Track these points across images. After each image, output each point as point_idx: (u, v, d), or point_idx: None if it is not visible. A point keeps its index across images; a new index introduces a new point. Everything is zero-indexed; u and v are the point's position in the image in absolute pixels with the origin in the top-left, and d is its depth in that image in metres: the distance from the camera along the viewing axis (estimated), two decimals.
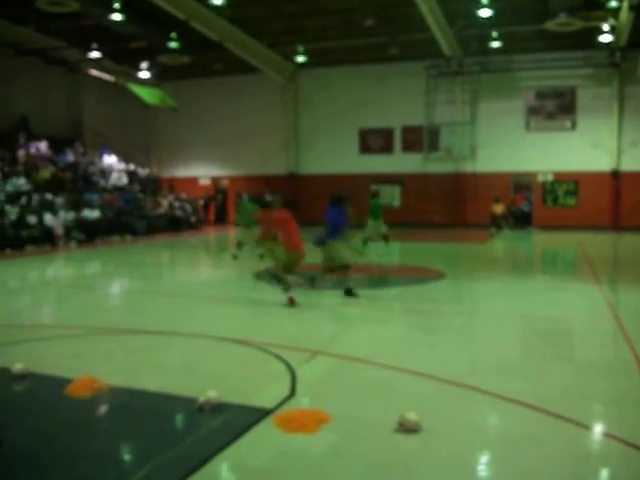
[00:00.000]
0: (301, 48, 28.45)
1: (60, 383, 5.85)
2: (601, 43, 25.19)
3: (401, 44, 26.93)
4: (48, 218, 21.36)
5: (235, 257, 16.44)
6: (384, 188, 30.66)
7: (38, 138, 26.75)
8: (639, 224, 26.80)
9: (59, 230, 21.21)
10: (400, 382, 6.13)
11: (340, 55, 29.54)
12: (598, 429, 5.02)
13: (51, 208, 22.17)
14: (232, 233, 28.88)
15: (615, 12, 22.56)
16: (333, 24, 25.52)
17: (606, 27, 23.81)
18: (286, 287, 10.19)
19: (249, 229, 15.98)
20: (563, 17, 20.52)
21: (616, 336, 8.16)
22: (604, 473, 4.35)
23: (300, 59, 29.32)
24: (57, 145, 27.46)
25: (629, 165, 27.52)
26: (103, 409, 5.60)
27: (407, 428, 4.76)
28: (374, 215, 18.34)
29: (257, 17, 25.19)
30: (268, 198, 31.40)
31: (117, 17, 22.44)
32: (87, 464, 4.35)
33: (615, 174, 27.77)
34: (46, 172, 24.87)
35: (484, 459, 4.52)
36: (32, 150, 26.05)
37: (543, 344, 8.01)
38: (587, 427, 5.00)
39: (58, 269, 17.29)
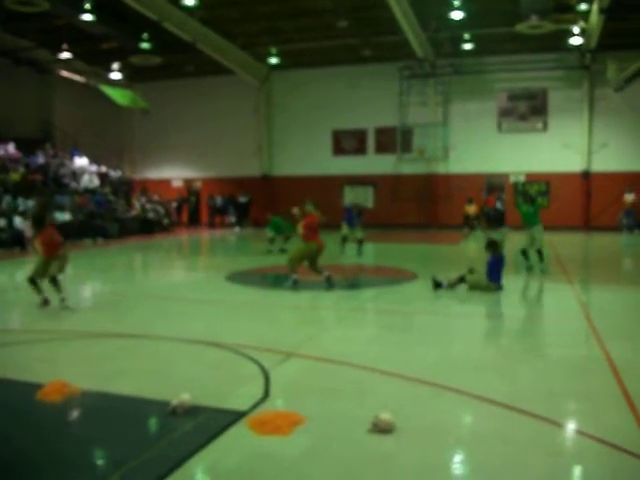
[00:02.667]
0: (274, 49, 28.43)
1: (31, 388, 5.76)
2: (571, 45, 25.50)
3: (374, 46, 27.04)
4: (18, 221, 21.06)
5: (270, 251, 18.63)
6: (358, 189, 30.80)
7: (7, 140, 26.36)
8: (609, 224, 27.17)
9: (29, 233, 20.89)
10: (374, 383, 6.13)
11: (313, 57, 29.56)
12: (570, 427, 5.07)
13: (21, 211, 21.86)
14: (207, 235, 28.74)
15: (585, 15, 22.85)
16: (306, 26, 25.54)
17: (576, 30, 24.12)
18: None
19: (279, 234, 19.17)
20: (534, 20, 20.72)
21: (587, 335, 8.24)
22: (577, 470, 4.38)
23: (273, 60, 29.30)
24: (27, 147, 27.08)
25: (599, 166, 27.88)
26: (75, 413, 5.52)
27: (381, 428, 4.76)
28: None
29: (230, 18, 25.11)
30: (241, 199, 31.41)
31: (88, 17, 22.17)
32: (59, 469, 4.29)
33: (586, 175, 28.12)
34: (16, 174, 24.52)
35: (457, 458, 4.53)
36: (1, 152, 25.67)
37: (516, 343, 8.07)
38: (559, 425, 5.04)
39: (28, 272, 17.02)
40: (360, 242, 18.05)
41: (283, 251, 18.07)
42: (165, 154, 34.38)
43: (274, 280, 13.93)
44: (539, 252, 14.64)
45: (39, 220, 10.95)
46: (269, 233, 19.37)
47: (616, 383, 5.99)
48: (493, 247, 11.85)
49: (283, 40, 27.33)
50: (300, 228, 12.23)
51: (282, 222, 19.33)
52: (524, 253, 14.88)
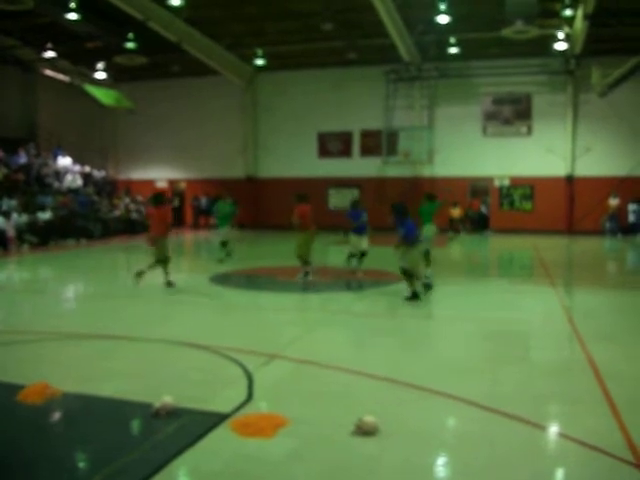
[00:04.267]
0: (260, 51, 28.37)
1: (12, 389, 5.71)
2: (556, 51, 25.66)
3: (360, 49, 27.07)
4: (0, 221, 20.86)
5: (221, 260, 16.64)
6: (343, 191, 30.81)
7: None
8: (592, 228, 27.35)
9: (11, 233, 20.74)
10: (358, 385, 6.12)
11: (299, 59, 29.53)
12: (553, 429, 5.09)
13: (3, 211, 21.66)
14: (191, 236, 28.65)
15: (570, 20, 23.01)
16: (293, 27, 25.51)
17: (561, 35, 24.28)
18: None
19: (224, 228, 17.03)
20: (519, 25, 20.80)
21: (570, 338, 8.29)
22: (559, 472, 4.41)
23: (259, 62, 29.23)
24: (10, 146, 26.85)
25: (583, 170, 28.04)
26: (56, 415, 5.47)
27: (365, 431, 4.76)
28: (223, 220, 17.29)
29: (216, 19, 25.03)
30: (228, 200, 31.26)
31: (73, 16, 22.02)
32: (40, 471, 4.25)
33: (569, 179, 28.29)
34: None
35: (441, 460, 4.54)
36: None
37: (499, 346, 8.09)
38: (542, 427, 5.06)
39: (10, 273, 16.90)
40: (363, 254, 14.57)
41: (221, 262, 16.49)
42: (149, 154, 34.20)
43: (258, 282, 13.89)
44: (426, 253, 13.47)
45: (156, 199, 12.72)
46: (220, 232, 17.19)
47: (598, 385, 6.03)
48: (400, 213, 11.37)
49: (269, 42, 27.28)
50: (295, 219, 13.10)
51: (226, 206, 17.31)
52: (427, 254, 13.71)
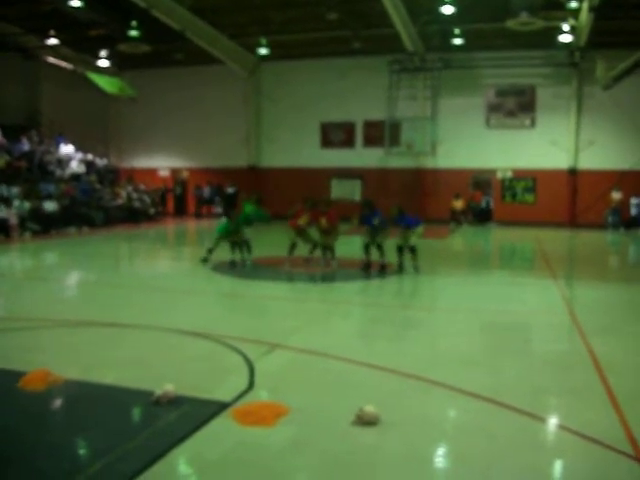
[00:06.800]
0: (264, 40, 28.24)
1: (13, 376, 5.72)
2: (561, 43, 25.52)
3: (364, 38, 26.94)
4: (2, 208, 20.87)
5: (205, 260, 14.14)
6: (345, 182, 30.77)
7: None
8: (595, 221, 27.31)
9: (13, 221, 20.74)
10: (359, 375, 6.14)
11: (303, 48, 29.41)
12: (553, 421, 5.10)
13: (5, 198, 21.66)
14: (193, 225, 28.66)
15: (575, 13, 22.88)
16: (296, 17, 25.40)
17: (566, 27, 24.14)
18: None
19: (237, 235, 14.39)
20: (524, 16, 20.71)
21: (571, 330, 8.30)
22: (558, 464, 4.41)
23: (263, 51, 29.08)
24: (12, 133, 26.79)
25: (586, 163, 27.97)
26: (58, 402, 5.49)
27: (365, 421, 4.77)
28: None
29: (219, 7, 24.93)
30: (230, 190, 31.29)
31: (76, 3, 21.96)
32: (41, 458, 4.26)
33: (572, 172, 28.22)
34: (0, 161, 24.28)
35: (441, 451, 4.55)
36: None
37: (500, 338, 8.11)
38: (542, 419, 5.07)
39: (12, 260, 16.93)
40: (412, 250, 13.60)
41: (244, 264, 14.01)
42: (152, 143, 34.12)
43: (260, 271, 13.89)
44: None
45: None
46: (218, 236, 14.56)
47: (599, 378, 6.03)
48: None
49: (272, 31, 27.13)
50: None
51: (255, 209, 15.49)
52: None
